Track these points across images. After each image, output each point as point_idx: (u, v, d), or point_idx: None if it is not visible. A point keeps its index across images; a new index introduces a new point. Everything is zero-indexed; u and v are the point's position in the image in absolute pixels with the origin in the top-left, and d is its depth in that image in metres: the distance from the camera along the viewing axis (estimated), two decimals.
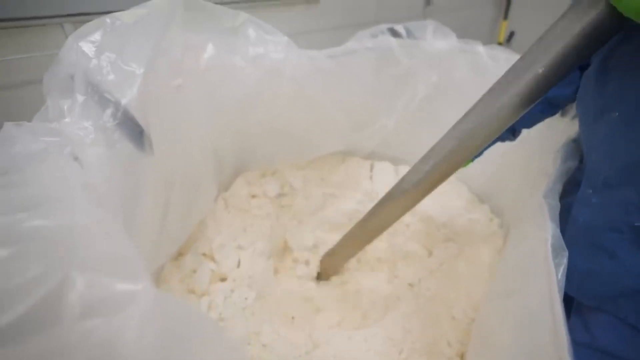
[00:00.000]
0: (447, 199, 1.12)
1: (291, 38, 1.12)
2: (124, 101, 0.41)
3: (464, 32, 2.72)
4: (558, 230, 0.46)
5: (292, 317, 0.90)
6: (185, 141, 0.69)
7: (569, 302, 0.57)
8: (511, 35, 2.82)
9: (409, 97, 1.01)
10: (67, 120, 0.38)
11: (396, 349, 0.81)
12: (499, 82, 0.53)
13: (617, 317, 0.51)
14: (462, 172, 0.62)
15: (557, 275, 0.38)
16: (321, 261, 0.99)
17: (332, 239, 1.12)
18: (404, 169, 1.21)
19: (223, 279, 0.90)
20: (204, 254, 0.92)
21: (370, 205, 1.11)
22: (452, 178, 0.66)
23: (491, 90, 0.54)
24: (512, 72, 0.50)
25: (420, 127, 1.05)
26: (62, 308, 0.23)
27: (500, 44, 2.93)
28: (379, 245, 1.03)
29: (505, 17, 2.84)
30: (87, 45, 0.41)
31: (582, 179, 0.55)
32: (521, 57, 0.49)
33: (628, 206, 0.47)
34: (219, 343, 0.33)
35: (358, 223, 0.83)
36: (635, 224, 0.46)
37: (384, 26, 0.97)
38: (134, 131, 0.44)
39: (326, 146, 1.13)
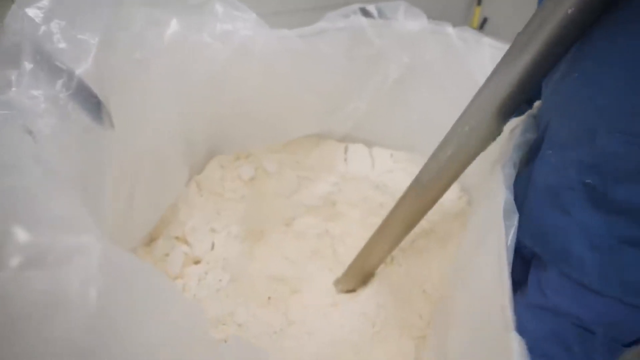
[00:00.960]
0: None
1: (262, 19, 1.10)
2: (77, 70, 0.39)
3: (437, 18, 2.73)
4: (511, 195, 0.49)
5: (268, 298, 0.91)
6: (152, 121, 0.67)
7: (528, 265, 0.60)
8: (484, 21, 2.87)
9: (381, 78, 1.01)
10: (14, 89, 0.36)
11: (370, 323, 0.83)
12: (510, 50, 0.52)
13: (568, 276, 0.54)
14: (427, 145, 0.64)
15: (507, 236, 0.41)
16: (345, 276, 0.93)
17: (307, 222, 1.13)
18: (377, 151, 1.23)
19: (197, 262, 0.89)
20: (177, 238, 0.91)
21: (345, 187, 1.12)
22: (419, 155, 0.67)
23: (507, 55, 0.53)
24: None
25: (393, 109, 1.07)
26: None
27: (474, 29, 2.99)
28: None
29: (479, 3, 2.88)
30: (35, 11, 0.39)
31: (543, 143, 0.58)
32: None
33: (581, 164, 0.50)
34: (175, 301, 0.33)
35: (379, 229, 0.81)
36: (586, 181, 0.49)
37: (356, 6, 0.97)
38: (90, 103, 0.42)
39: (300, 129, 1.13)
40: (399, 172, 1.19)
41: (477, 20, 2.89)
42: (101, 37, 0.43)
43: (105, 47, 0.43)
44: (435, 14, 2.41)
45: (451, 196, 1.07)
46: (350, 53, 0.94)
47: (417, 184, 0.66)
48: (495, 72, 0.54)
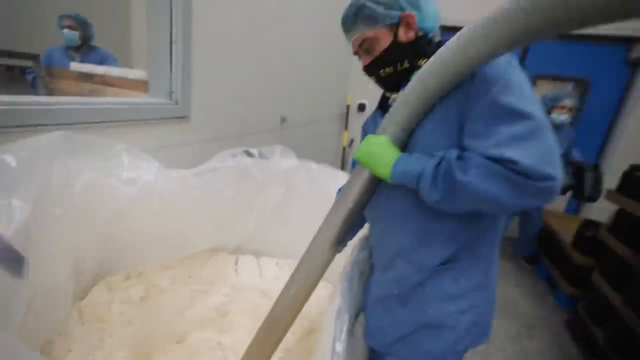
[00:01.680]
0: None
1: (166, 150, 1.28)
2: (7, 234, 0.49)
3: (315, 141, 3.35)
4: (344, 302, 0.73)
5: None
6: (48, 258, 0.73)
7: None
8: (352, 141, 3.68)
9: (264, 204, 1.27)
10: None
11: None
12: (329, 214, 0.81)
13: (396, 356, 0.78)
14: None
15: (335, 330, 0.62)
16: None
17: (200, 336, 1.17)
18: (265, 260, 1.41)
19: None
20: None
21: (236, 297, 1.24)
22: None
23: (325, 221, 0.81)
24: (338, 205, 0.79)
25: (275, 226, 1.31)
26: None
27: (344, 147, 3.77)
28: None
29: (346, 128, 3.71)
30: None
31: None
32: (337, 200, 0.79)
33: (393, 281, 0.78)
34: None
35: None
36: (395, 292, 0.77)
37: (241, 149, 1.26)
38: (15, 262, 0.50)
39: (194, 246, 1.25)
40: (284, 279, 1.37)
41: (346, 140, 3.68)
42: (31, 201, 0.54)
43: (32, 209, 0.55)
44: (314, 139, 3.02)
45: (327, 295, 1.29)
46: (238, 186, 1.19)
47: (271, 315, 0.85)
48: (327, 215, 0.83)
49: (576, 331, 2.10)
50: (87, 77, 1.88)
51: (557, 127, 2.42)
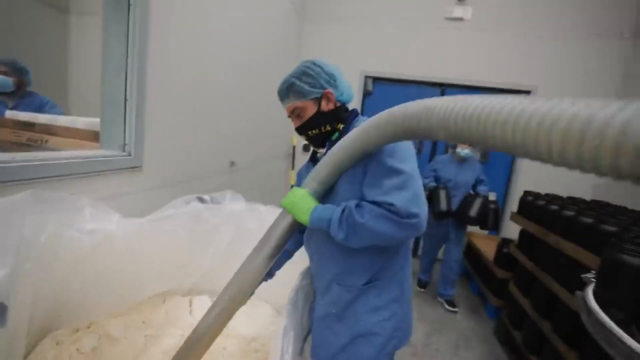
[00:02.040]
0: (255, 318, 1.44)
1: (120, 198, 1.35)
2: None
3: (264, 181, 3.50)
4: (289, 321, 0.87)
5: None
6: (12, 313, 0.78)
7: None
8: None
9: (216, 244, 1.37)
10: None
11: None
12: (262, 239, 0.96)
13: None
14: (265, 293, 0.98)
15: (282, 346, 0.76)
16: None
17: None
18: None
19: None
20: None
21: None
22: (257, 300, 1.00)
23: (258, 246, 0.96)
24: (263, 241, 0.94)
25: (228, 264, 1.40)
26: None
27: (292, 186, 3.97)
28: None
29: (293, 167, 3.93)
30: None
31: None
32: (263, 237, 0.95)
33: (331, 302, 0.94)
34: None
35: None
36: (332, 311, 0.93)
37: (194, 195, 1.37)
38: None
39: (148, 290, 1.30)
40: (240, 317, 1.45)
41: (293, 180, 3.88)
42: (8, 257, 0.62)
43: (10, 263, 0.62)
44: (264, 179, 3.18)
45: (270, 320, 1.39)
46: (191, 229, 1.29)
47: (194, 333, 0.94)
48: (244, 262, 0.97)
49: (502, 337, 2.39)
50: (26, 125, 1.87)
51: (463, 159, 2.82)
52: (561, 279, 1.72)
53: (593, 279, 1.08)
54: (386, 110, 0.71)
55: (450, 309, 2.77)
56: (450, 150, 3.29)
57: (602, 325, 0.84)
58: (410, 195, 0.78)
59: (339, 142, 0.83)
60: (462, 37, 3.46)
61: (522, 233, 2.34)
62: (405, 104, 0.65)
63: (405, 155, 0.83)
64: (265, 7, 2.67)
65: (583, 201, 2.31)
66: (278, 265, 1.16)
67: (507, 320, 2.29)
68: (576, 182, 3.13)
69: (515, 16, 3.34)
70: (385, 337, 0.91)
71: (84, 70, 3.62)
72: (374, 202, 0.79)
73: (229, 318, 0.93)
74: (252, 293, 1.00)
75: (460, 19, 3.42)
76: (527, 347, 1.98)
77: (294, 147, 3.82)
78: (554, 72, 3.33)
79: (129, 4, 1.33)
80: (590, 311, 0.94)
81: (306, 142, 1.01)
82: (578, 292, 1.05)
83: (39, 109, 2.33)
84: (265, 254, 0.92)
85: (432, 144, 3.75)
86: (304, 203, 0.87)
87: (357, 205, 0.82)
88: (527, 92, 3.41)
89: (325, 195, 0.92)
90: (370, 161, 0.84)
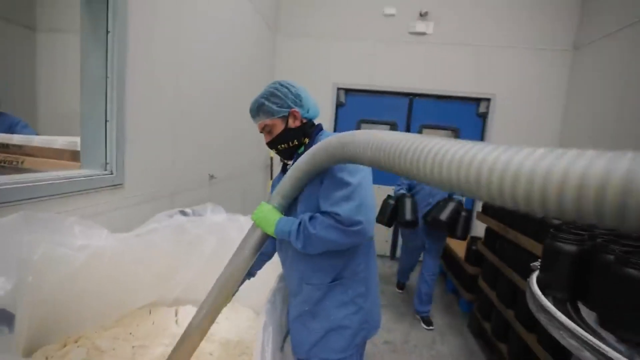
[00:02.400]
0: (238, 322, 1.51)
1: (104, 215, 1.40)
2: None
3: (243, 192, 3.56)
4: (268, 318, 0.96)
5: None
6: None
7: None
8: None
9: (199, 254, 1.44)
10: None
11: None
12: (238, 248, 1.05)
13: (316, 357, 1.02)
14: (246, 298, 1.06)
15: (263, 340, 0.85)
16: None
17: None
18: None
19: None
20: None
21: None
22: (239, 305, 1.08)
23: (234, 254, 1.05)
24: (239, 250, 1.04)
25: (211, 274, 1.47)
26: None
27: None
28: None
29: (271, 177, 4.01)
30: None
31: None
32: (243, 240, 1.04)
33: (302, 301, 1.04)
34: None
35: None
36: (305, 309, 1.03)
37: (177, 210, 1.44)
38: (6, 319, 0.62)
39: (135, 302, 1.35)
40: (223, 323, 1.52)
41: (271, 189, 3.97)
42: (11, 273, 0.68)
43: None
44: (243, 191, 3.25)
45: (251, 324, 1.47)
46: (175, 241, 1.35)
47: (184, 334, 1.05)
48: (224, 268, 1.07)
49: (474, 329, 2.55)
50: (1, 147, 1.88)
51: None
52: (521, 270, 1.89)
53: (538, 267, 1.23)
54: (332, 136, 0.82)
55: (426, 327, 2.60)
56: None
57: (541, 305, 0.98)
58: (355, 205, 0.90)
59: (298, 160, 0.94)
60: (426, 50, 3.69)
61: (487, 230, 2.53)
62: (345, 133, 0.76)
63: (355, 169, 0.95)
64: (239, 25, 2.78)
65: None
66: (258, 265, 1.25)
67: (478, 313, 2.45)
68: None
69: (473, 30, 3.62)
70: (354, 329, 1.02)
71: (53, 88, 3.58)
72: (324, 213, 0.92)
73: (214, 318, 1.00)
74: (234, 292, 1.09)
75: (423, 34, 3.65)
76: (495, 335, 2.13)
77: (271, 159, 3.90)
78: (510, 80, 3.61)
79: (107, 31, 1.40)
80: (532, 294, 1.09)
81: (277, 154, 1.12)
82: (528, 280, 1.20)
83: (10, 129, 2.32)
84: (242, 258, 1.01)
85: None
86: (270, 216, 0.98)
87: (311, 218, 0.94)
88: (487, 100, 3.67)
89: (289, 208, 1.03)
90: (325, 175, 0.96)
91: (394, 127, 3.90)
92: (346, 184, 0.92)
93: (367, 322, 1.05)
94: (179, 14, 1.87)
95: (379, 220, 2.74)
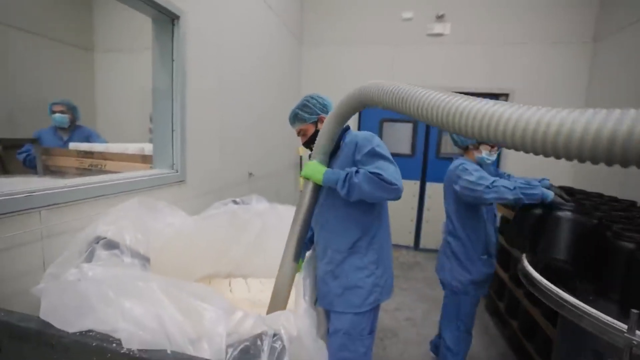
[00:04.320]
0: None
1: (173, 205, 1.78)
2: (142, 250, 0.98)
3: (278, 186, 3.95)
4: (306, 274, 1.28)
5: None
6: None
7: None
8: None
9: (247, 235, 1.79)
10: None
11: None
12: (297, 205, 1.36)
13: (336, 312, 1.32)
14: None
15: (303, 289, 1.17)
16: None
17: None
18: (251, 280, 1.89)
19: None
20: None
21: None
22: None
23: (296, 212, 1.36)
24: (301, 197, 1.35)
25: (256, 252, 1.82)
26: None
27: (301, 191, 4.38)
28: None
29: (301, 169, 4.36)
30: (104, 226, 0.98)
31: None
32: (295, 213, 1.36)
33: (327, 264, 1.34)
34: None
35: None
36: (329, 269, 1.33)
37: (230, 199, 1.80)
38: (143, 257, 0.98)
39: (198, 273, 1.71)
40: (266, 292, 1.86)
41: (302, 184, 4.30)
42: (143, 234, 1.04)
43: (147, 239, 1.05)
44: (276, 185, 3.64)
45: None
46: (229, 224, 1.71)
47: (275, 289, 1.37)
48: (288, 236, 1.38)
49: (490, 309, 2.75)
50: (87, 154, 2.31)
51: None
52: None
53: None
54: (353, 89, 1.09)
55: None
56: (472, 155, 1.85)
57: (532, 279, 1.25)
58: (393, 170, 1.18)
59: (324, 122, 1.24)
60: (443, 50, 3.88)
61: (501, 218, 2.72)
62: (359, 86, 1.03)
63: (385, 148, 1.25)
64: (269, 39, 3.13)
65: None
66: (306, 249, 1.53)
67: (494, 294, 2.66)
68: (557, 169, 3.47)
69: (490, 28, 3.76)
70: (367, 290, 1.31)
71: (109, 100, 4.09)
72: (368, 171, 1.17)
73: (293, 268, 1.32)
74: (303, 245, 1.37)
75: (441, 35, 3.85)
76: (507, 313, 2.34)
77: (300, 157, 4.24)
78: (529, 76, 3.72)
79: (172, 59, 1.78)
80: (525, 272, 1.35)
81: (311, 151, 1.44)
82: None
83: (87, 139, 2.80)
84: (303, 211, 1.32)
85: (424, 147, 4.14)
86: (317, 168, 1.28)
87: (356, 172, 1.19)
88: (506, 96, 3.80)
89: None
90: (358, 150, 1.24)
91: (414, 125, 4.12)
92: (384, 158, 1.21)
93: (378, 285, 1.33)
94: (221, 41, 2.24)
95: (514, 243, 1.98)
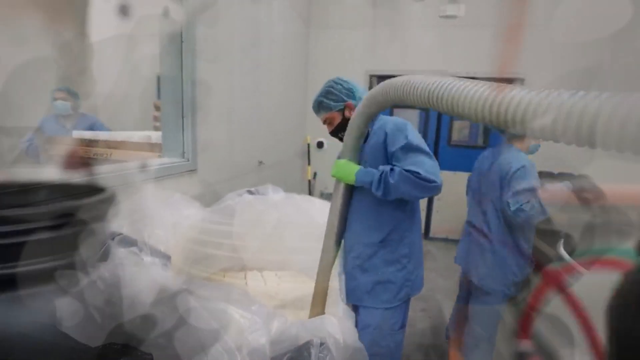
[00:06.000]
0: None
1: (185, 194, 1.70)
2: (162, 248, 0.90)
3: (286, 175, 3.89)
4: (341, 270, 1.20)
5: None
6: None
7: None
8: (315, 174, 4.22)
9: (263, 227, 1.71)
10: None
11: None
12: (331, 204, 1.28)
13: (365, 307, 1.25)
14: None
15: (340, 285, 1.09)
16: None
17: None
18: (267, 273, 1.82)
19: None
20: None
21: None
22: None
23: (330, 211, 1.28)
24: (334, 197, 1.26)
25: (271, 245, 1.74)
26: None
27: (309, 180, 4.30)
28: None
29: (309, 163, 4.26)
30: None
31: None
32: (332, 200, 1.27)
33: (355, 258, 1.27)
34: None
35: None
36: (357, 263, 1.26)
37: (244, 190, 1.71)
38: (164, 256, 0.91)
39: (213, 267, 1.64)
40: (283, 284, 1.79)
41: (310, 174, 4.22)
42: (164, 230, 0.97)
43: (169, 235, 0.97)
44: (284, 174, 3.56)
45: None
46: (243, 214, 1.63)
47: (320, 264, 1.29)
48: (329, 217, 1.30)
49: None
50: (91, 142, 2.21)
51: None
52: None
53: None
54: (380, 84, 0.96)
55: None
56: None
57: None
58: (429, 167, 1.09)
59: (352, 118, 1.12)
60: (456, 33, 3.73)
61: None
62: (385, 82, 0.90)
63: (421, 139, 1.17)
64: (277, 21, 3.00)
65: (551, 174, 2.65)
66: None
67: None
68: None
69: (505, 10, 3.60)
70: (398, 285, 1.24)
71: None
72: (403, 169, 1.10)
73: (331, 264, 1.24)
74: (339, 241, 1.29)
75: (454, 17, 3.69)
76: None
77: (308, 145, 4.14)
78: (544, 59, 3.58)
79: (181, 40, 1.67)
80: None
81: (339, 140, 1.33)
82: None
83: (91, 127, 2.70)
84: (336, 207, 1.25)
85: (435, 135, 4.03)
86: (348, 168, 1.19)
87: (391, 170, 1.12)
88: (522, 80, 3.68)
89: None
90: (391, 142, 1.15)
91: (426, 112, 4.00)
92: (421, 151, 1.12)
93: (410, 280, 1.26)
94: (233, 23, 2.12)
95: None
